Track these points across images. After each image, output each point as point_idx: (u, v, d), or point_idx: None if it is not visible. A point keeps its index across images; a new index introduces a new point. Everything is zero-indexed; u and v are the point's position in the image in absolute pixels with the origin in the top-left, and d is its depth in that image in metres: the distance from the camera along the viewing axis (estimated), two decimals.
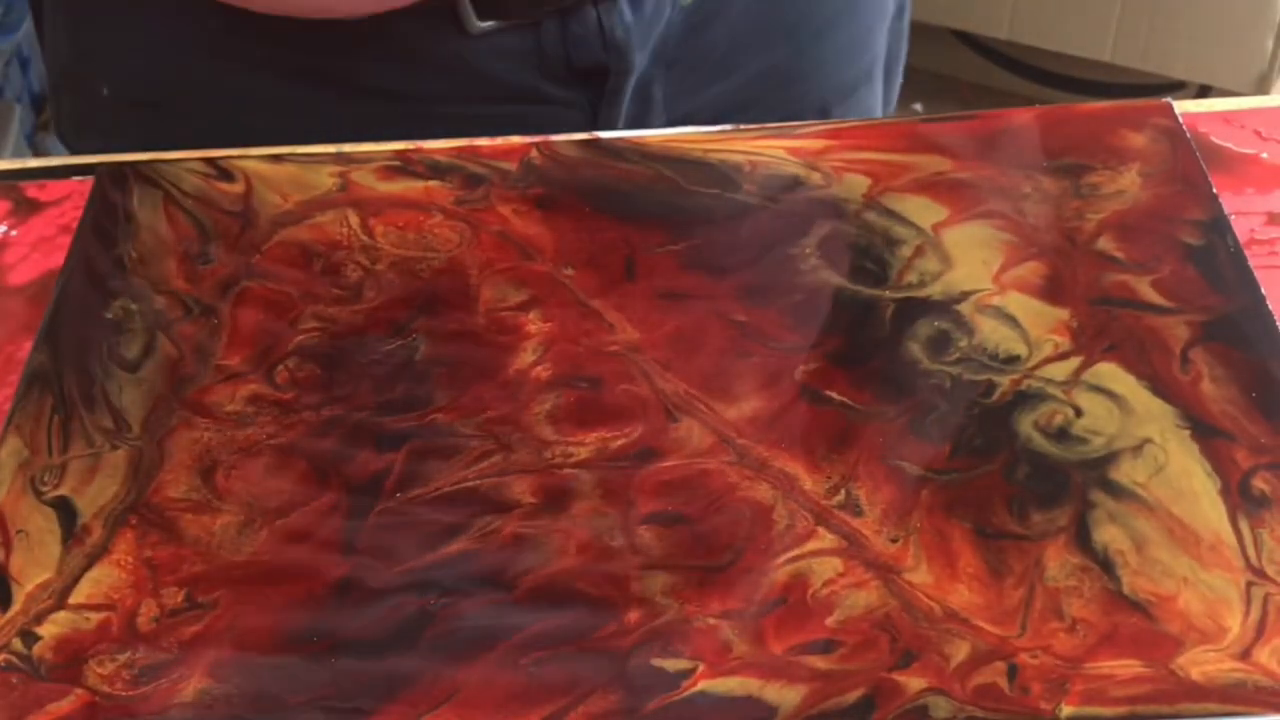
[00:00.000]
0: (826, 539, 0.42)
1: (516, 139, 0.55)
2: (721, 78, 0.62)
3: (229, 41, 0.59)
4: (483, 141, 0.55)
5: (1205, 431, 0.44)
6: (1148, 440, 0.44)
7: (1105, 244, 0.50)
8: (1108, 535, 0.41)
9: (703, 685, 0.38)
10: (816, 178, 0.53)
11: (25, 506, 0.44)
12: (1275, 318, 0.47)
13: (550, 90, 0.60)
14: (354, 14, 0.56)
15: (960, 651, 0.39)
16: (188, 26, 0.59)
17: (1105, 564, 0.41)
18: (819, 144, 0.54)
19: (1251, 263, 0.49)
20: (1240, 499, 0.42)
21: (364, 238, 0.52)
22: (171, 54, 0.61)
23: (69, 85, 0.66)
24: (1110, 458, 0.43)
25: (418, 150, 0.55)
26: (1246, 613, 0.39)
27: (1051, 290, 0.48)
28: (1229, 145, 0.55)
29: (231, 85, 0.60)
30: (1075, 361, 0.46)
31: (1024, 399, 0.45)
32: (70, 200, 0.56)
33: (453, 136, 0.56)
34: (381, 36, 0.58)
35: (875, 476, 0.43)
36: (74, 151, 0.67)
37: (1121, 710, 0.37)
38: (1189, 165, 0.52)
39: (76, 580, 0.42)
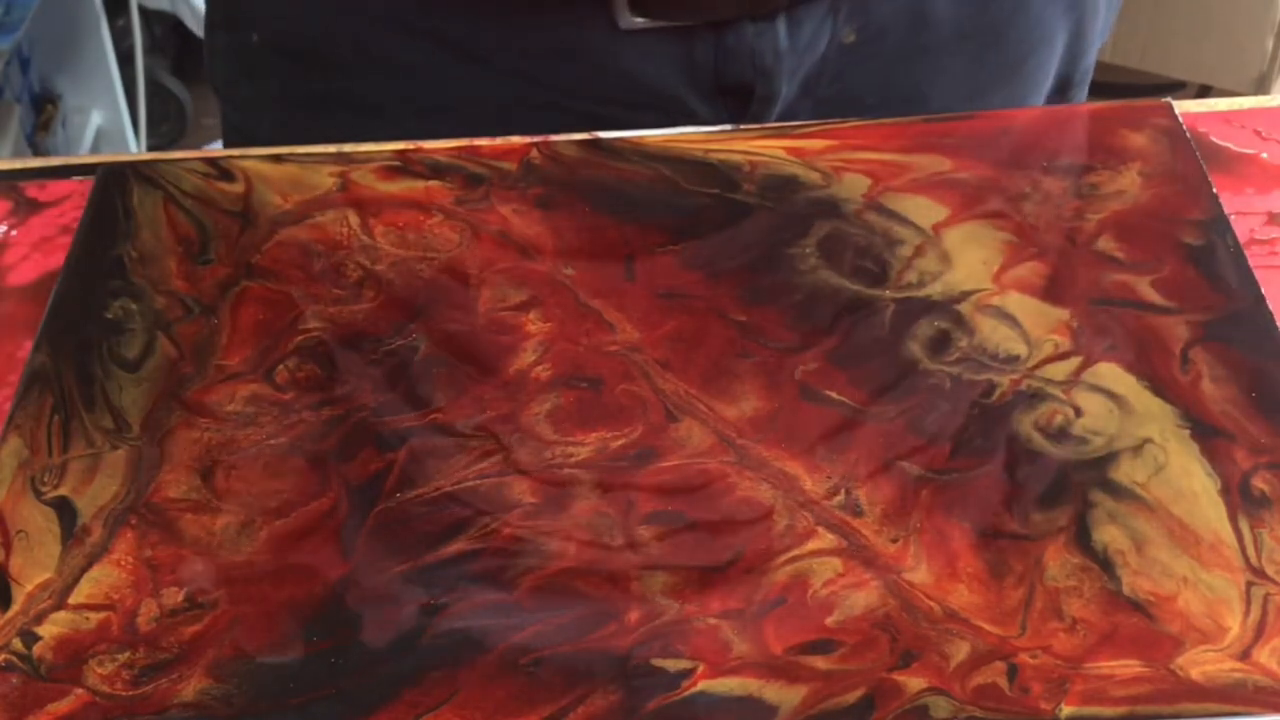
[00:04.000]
0: (826, 539, 0.42)
1: (517, 139, 0.55)
2: None
3: (379, 4, 0.59)
4: (483, 141, 0.55)
5: (1205, 431, 0.44)
6: (1148, 440, 0.44)
7: (1105, 244, 0.50)
8: (1108, 535, 0.41)
9: (703, 685, 0.38)
10: (816, 178, 0.53)
11: (25, 506, 0.44)
12: (1275, 318, 0.47)
13: (694, 104, 0.60)
14: None
15: (960, 651, 0.39)
16: None
17: (1105, 564, 0.41)
18: (819, 144, 0.54)
19: (1251, 263, 0.49)
20: (1240, 499, 0.42)
21: (364, 238, 0.52)
22: (322, 10, 0.61)
23: (223, 25, 0.67)
24: (1110, 458, 0.43)
25: (418, 150, 0.55)
26: (1246, 613, 0.39)
27: (1051, 290, 0.48)
28: (1229, 145, 0.55)
29: (375, 48, 0.61)
30: (1075, 361, 0.46)
31: (1024, 399, 0.45)
32: (70, 200, 0.56)
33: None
34: (533, 19, 0.58)
35: (875, 476, 0.43)
36: (221, 93, 0.68)
37: (1121, 710, 0.37)
38: (1189, 165, 0.52)
39: (76, 580, 0.42)
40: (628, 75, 0.59)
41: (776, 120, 0.60)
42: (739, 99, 0.60)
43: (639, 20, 0.57)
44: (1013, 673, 0.38)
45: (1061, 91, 0.69)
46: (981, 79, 0.63)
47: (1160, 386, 0.45)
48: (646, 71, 0.59)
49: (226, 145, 0.69)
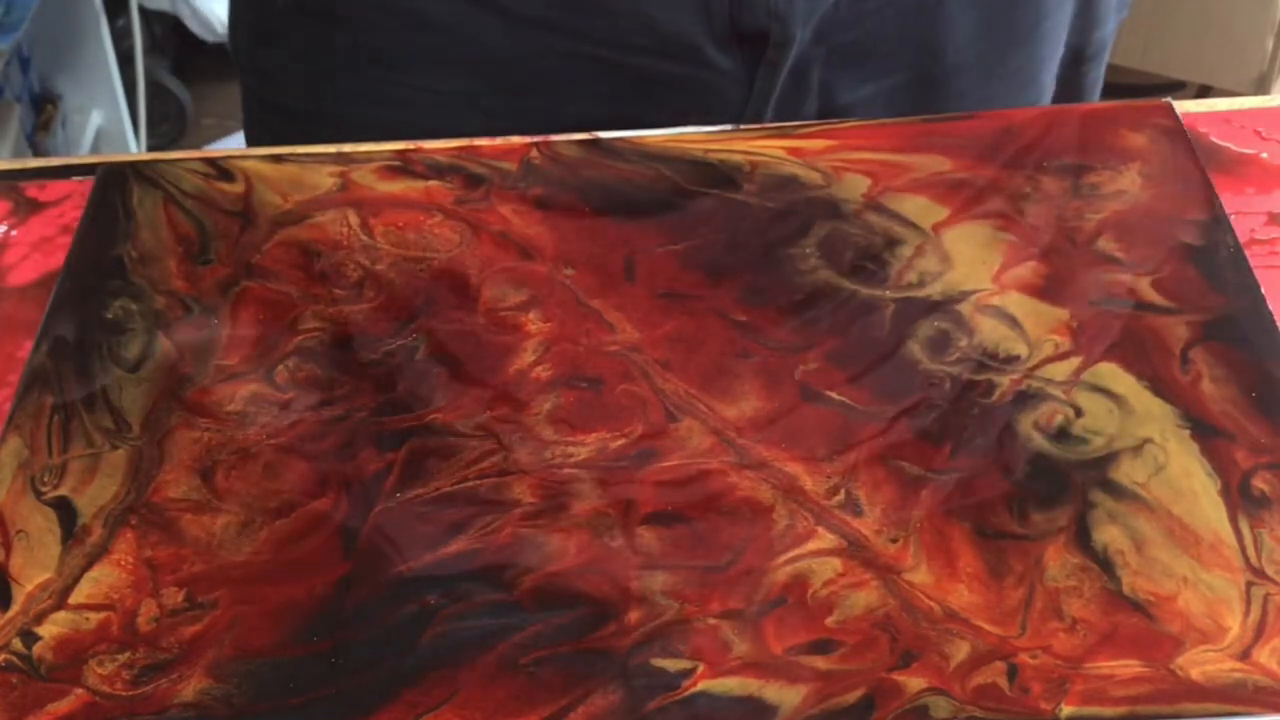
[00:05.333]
0: (826, 539, 0.42)
1: (517, 139, 0.55)
2: (880, 75, 0.62)
3: None
4: (483, 141, 0.55)
5: (1205, 431, 0.44)
6: (1148, 440, 0.44)
7: (1105, 244, 0.50)
8: (1108, 535, 0.41)
9: (703, 685, 0.38)
10: (816, 178, 0.53)
11: (25, 506, 0.44)
12: (1275, 318, 0.47)
13: (711, 54, 0.60)
14: None
15: (960, 651, 0.39)
16: None
17: (1105, 564, 0.41)
18: (819, 144, 0.54)
19: (1251, 263, 0.49)
20: (1240, 499, 0.42)
21: (364, 238, 0.52)
22: None
23: None
24: (1110, 458, 0.43)
25: (418, 150, 0.55)
26: (1246, 613, 0.39)
27: (1051, 290, 0.48)
28: (1229, 145, 0.55)
29: (398, 1, 0.61)
30: (1075, 361, 0.46)
31: (1024, 399, 0.45)
32: (70, 200, 0.56)
33: (611, 89, 0.56)
34: None
35: (875, 476, 0.43)
36: (245, 63, 0.69)
37: (1121, 710, 0.37)
38: (1189, 165, 0.52)
39: (76, 580, 0.42)
40: (646, 22, 0.59)
41: (791, 67, 0.60)
42: (755, 45, 0.60)
43: None
44: (1013, 673, 0.38)
45: (1074, 64, 0.69)
46: (996, 39, 0.63)
47: (1160, 386, 0.45)
48: (664, 18, 0.59)
49: (247, 120, 0.70)
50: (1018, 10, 0.63)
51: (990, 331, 0.47)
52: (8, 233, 0.55)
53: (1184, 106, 0.56)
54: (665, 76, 0.60)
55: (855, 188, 0.52)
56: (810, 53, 0.61)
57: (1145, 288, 0.48)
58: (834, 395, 0.46)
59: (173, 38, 2.01)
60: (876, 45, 0.61)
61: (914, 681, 0.38)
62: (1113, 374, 0.46)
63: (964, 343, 0.47)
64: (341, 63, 0.63)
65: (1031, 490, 0.42)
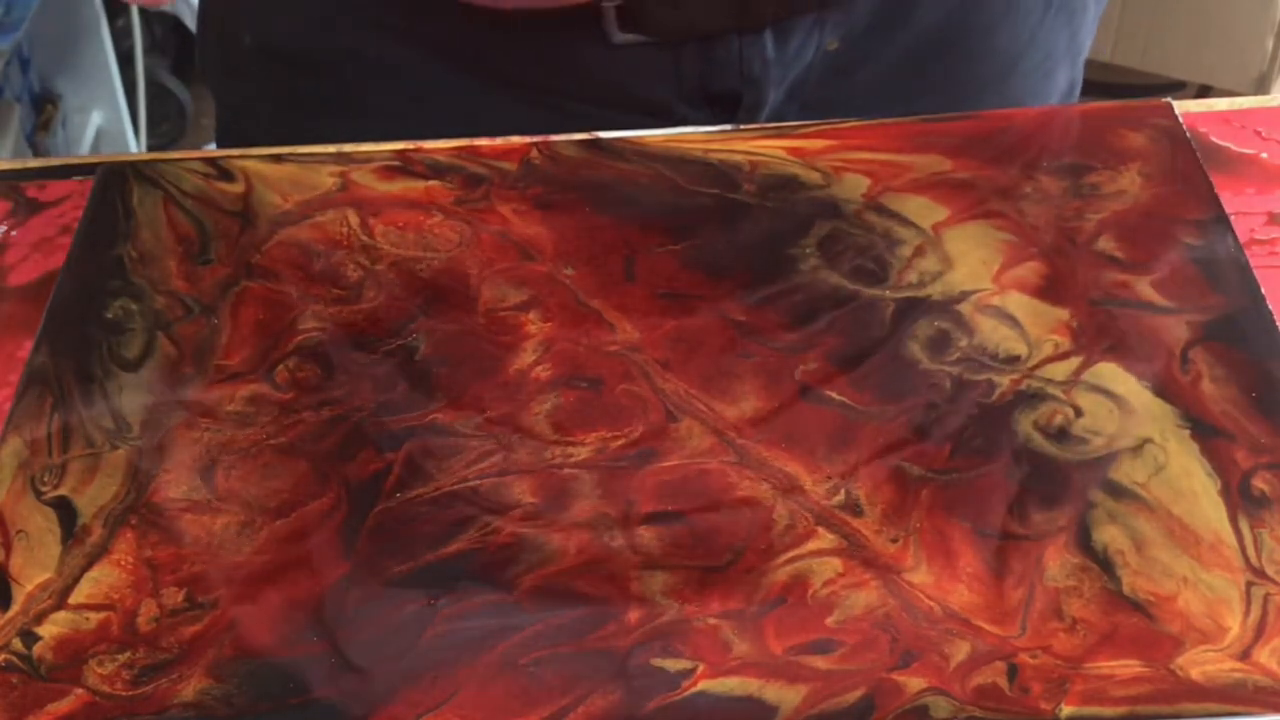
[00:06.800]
0: (826, 539, 0.42)
1: (517, 139, 0.55)
2: None
3: (374, 9, 0.60)
4: (483, 141, 0.55)
5: (1205, 431, 0.44)
6: (1148, 440, 0.44)
7: (1105, 244, 0.50)
8: (1108, 535, 0.41)
9: (703, 685, 0.38)
10: (816, 178, 0.53)
11: (25, 506, 0.44)
12: (1275, 318, 0.47)
13: (682, 110, 0.60)
14: (498, 4, 0.56)
15: (960, 651, 0.39)
16: None
17: (1105, 564, 0.41)
18: (819, 144, 0.54)
19: (1251, 263, 0.49)
20: (1240, 499, 0.42)
21: (364, 238, 0.52)
22: (315, 14, 0.61)
23: (214, 27, 0.67)
24: (1110, 458, 0.43)
25: (418, 150, 0.55)
26: (1246, 613, 0.39)
27: (1051, 290, 0.48)
28: (1229, 145, 0.55)
29: (366, 52, 0.61)
30: (1075, 361, 0.46)
31: (1024, 399, 0.45)
32: (70, 200, 0.56)
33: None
34: (524, 31, 0.58)
35: (875, 476, 0.43)
36: (215, 93, 0.68)
37: (1121, 710, 0.37)
38: (1189, 165, 0.52)
39: (76, 580, 0.42)
40: (617, 84, 0.59)
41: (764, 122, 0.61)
42: (727, 106, 0.60)
43: (629, 36, 0.58)
44: (1013, 673, 0.38)
45: (1066, 96, 0.69)
46: (969, 85, 0.63)
47: (1160, 386, 0.45)
48: (635, 82, 0.59)
49: (220, 146, 0.69)
50: (986, 58, 0.63)
51: (990, 331, 0.47)
52: (8, 233, 0.55)
53: (1184, 106, 0.56)
54: (636, 128, 0.60)
55: (855, 188, 0.52)
56: (783, 110, 0.61)
57: (1145, 288, 0.48)
58: (834, 395, 0.46)
59: (173, 38, 2.01)
60: (850, 98, 0.61)
61: (914, 681, 0.38)
62: (1113, 374, 0.46)
63: (964, 343, 0.47)
64: (305, 107, 0.63)
65: (1031, 490, 0.42)
